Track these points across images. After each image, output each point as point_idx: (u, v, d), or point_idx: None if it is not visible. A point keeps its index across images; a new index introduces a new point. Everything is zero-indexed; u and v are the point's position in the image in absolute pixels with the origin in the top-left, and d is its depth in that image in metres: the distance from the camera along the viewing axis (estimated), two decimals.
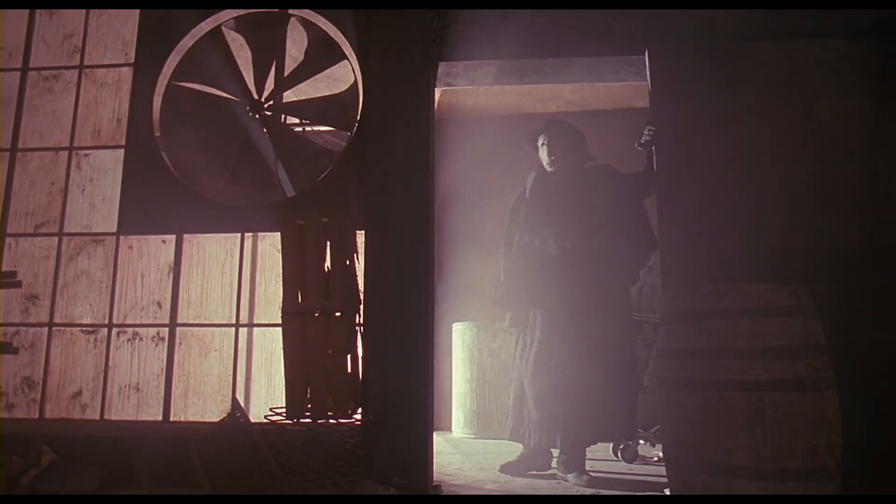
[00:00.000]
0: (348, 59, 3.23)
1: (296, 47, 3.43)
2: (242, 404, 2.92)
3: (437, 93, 3.52)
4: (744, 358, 2.02)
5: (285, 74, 3.38)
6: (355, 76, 3.22)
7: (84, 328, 3.24)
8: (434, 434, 2.82)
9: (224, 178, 3.28)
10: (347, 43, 3.21)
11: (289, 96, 3.46)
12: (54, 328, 3.25)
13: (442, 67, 3.15)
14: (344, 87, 3.35)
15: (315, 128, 3.77)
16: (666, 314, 2.32)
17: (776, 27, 2.95)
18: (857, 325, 2.59)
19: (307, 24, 3.32)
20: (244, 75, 3.35)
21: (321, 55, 3.31)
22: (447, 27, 3.07)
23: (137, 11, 3.44)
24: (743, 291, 2.10)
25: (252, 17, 3.37)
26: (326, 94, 3.43)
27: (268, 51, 3.38)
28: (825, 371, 2.06)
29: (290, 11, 3.31)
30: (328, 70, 3.35)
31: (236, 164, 3.28)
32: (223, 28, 3.37)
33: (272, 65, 3.38)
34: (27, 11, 3.58)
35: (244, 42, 3.41)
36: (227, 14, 3.35)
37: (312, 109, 3.41)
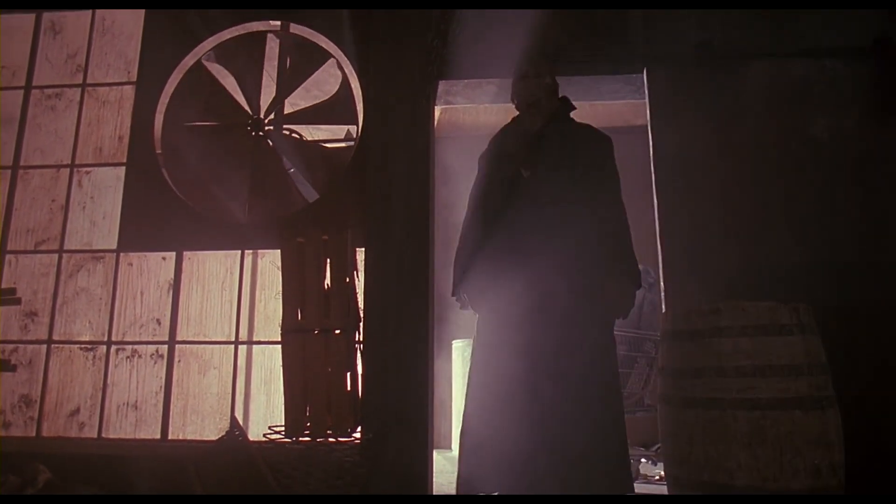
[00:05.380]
0: (334, 57, 3.29)
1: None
2: (241, 422, 2.90)
3: (437, 111, 3.54)
4: (745, 376, 2.01)
5: (276, 85, 3.43)
6: (350, 82, 3.26)
7: (83, 345, 3.23)
8: (434, 452, 2.80)
9: (228, 194, 3.30)
10: (333, 43, 3.27)
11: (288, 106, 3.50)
12: (53, 345, 3.24)
13: (442, 86, 3.18)
14: (334, 89, 3.41)
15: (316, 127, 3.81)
16: (667, 332, 2.31)
17: (774, 47, 2.98)
18: (858, 342, 2.59)
19: (283, 35, 3.38)
20: (238, 99, 3.39)
21: (305, 61, 3.37)
22: (447, 46, 3.10)
23: (140, 31, 3.48)
24: (743, 309, 2.09)
25: (229, 43, 3.42)
26: (321, 98, 3.49)
27: (254, 71, 3.41)
28: (827, 389, 2.05)
29: (264, 28, 3.38)
30: (319, 72, 3.40)
31: (239, 181, 3.30)
32: (203, 62, 3.41)
33: (261, 83, 3.42)
34: (31, 30, 3.62)
35: (225, 72, 3.44)
36: (229, 33, 3.39)
37: (311, 113, 3.44)
